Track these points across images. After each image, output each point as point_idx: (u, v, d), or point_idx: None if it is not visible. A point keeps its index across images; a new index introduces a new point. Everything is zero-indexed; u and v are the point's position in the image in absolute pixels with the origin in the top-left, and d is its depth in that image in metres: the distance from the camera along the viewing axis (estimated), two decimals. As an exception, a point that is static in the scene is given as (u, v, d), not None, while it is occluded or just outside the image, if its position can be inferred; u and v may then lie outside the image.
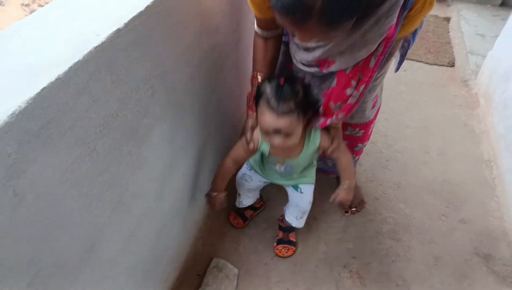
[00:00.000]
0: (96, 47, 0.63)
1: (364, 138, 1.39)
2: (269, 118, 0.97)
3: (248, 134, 1.13)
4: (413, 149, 1.89)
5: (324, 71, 1.01)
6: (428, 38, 2.72)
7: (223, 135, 1.50)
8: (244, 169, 1.38)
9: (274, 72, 1.17)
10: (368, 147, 1.77)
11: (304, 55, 1.02)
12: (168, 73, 0.90)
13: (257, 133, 1.12)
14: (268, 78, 1.08)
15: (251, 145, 1.13)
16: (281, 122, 0.96)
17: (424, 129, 2.00)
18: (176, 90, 0.96)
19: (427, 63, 2.48)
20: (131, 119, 0.79)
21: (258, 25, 1.05)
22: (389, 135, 1.96)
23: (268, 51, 1.10)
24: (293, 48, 1.08)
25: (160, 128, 0.93)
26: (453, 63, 2.49)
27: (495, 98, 1.95)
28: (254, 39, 1.10)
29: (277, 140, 1.01)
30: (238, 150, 1.18)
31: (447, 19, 2.97)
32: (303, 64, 1.06)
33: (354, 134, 1.35)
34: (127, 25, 0.70)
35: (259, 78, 1.10)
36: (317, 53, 0.97)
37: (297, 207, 1.35)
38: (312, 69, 1.04)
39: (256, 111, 1.04)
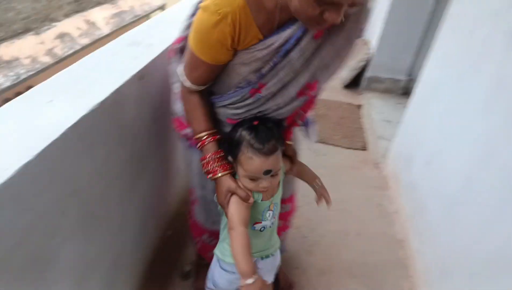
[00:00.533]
0: (3, 183, 0.64)
1: (292, 210, 1.53)
2: (258, 162, 0.95)
3: (240, 190, 1.01)
4: (335, 231, 2.01)
5: (312, 93, 1.06)
6: (344, 124, 3.04)
7: (145, 236, 1.47)
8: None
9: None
10: (293, 233, 1.84)
11: (286, 92, 1.01)
12: (81, 190, 0.91)
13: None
14: (217, 133, 1.05)
15: (250, 198, 1.02)
16: (271, 162, 0.96)
17: (344, 211, 2.15)
18: (90, 203, 0.97)
19: (343, 147, 2.74)
20: (37, 244, 0.77)
21: (196, 81, 1.01)
22: (313, 219, 2.07)
23: (206, 105, 1.06)
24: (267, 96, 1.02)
25: (70, 245, 0.91)
26: (366, 147, 2.78)
27: (402, 181, 2.20)
28: (186, 99, 1.06)
29: (266, 181, 0.99)
30: (241, 211, 1.01)
31: (359, 107, 3.36)
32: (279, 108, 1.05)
33: (285, 210, 1.45)
34: (38, 156, 0.72)
35: (208, 138, 1.04)
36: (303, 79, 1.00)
37: (274, 270, 1.25)
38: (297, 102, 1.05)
39: (235, 163, 1.01)
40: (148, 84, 1.22)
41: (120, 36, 1.40)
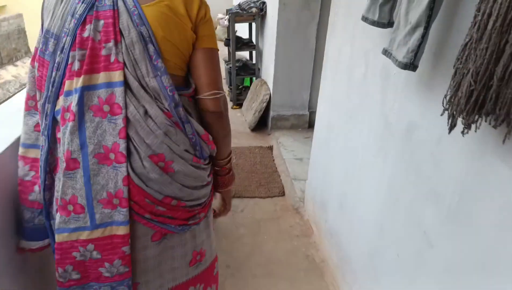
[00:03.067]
0: None
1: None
2: None
3: None
4: (266, 300, 1.84)
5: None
6: (257, 171, 2.95)
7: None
8: None
9: None
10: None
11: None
12: None
13: None
14: None
15: None
16: None
17: (271, 275, 1.99)
18: None
19: (261, 197, 2.63)
20: None
21: None
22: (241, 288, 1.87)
23: None
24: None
25: None
26: (283, 191, 2.70)
27: (322, 227, 2.13)
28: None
29: None
30: None
31: (270, 148, 3.32)
32: None
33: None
34: None
35: None
36: None
37: None
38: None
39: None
40: None
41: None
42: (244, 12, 3.79)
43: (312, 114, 3.58)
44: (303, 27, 3.24)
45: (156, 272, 1.06)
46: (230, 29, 3.85)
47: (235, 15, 3.77)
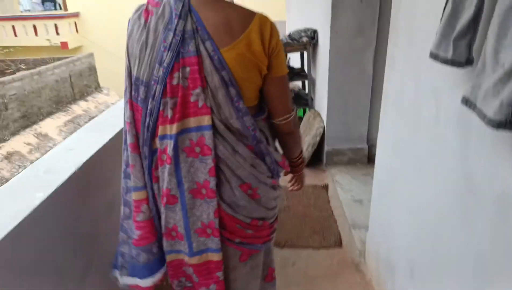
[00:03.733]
0: None
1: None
2: None
3: None
4: None
5: None
6: (311, 215, 2.67)
7: None
8: None
9: None
10: None
11: None
12: None
13: None
14: None
15: None
16: None
17: None
18: None
19: (314, 247, 2.34)
20: None
21: None
22: None
23: None
24: None
25: None
26: (340, 241, 2.39)
27: (388, 291, 1.79)
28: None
29: None
30: None
31: (325, 187, 3.04)
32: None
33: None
34: None
35: None
36: None
37: None
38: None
39: None
40: None
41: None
42: (295, 42, 3.62)
43: (372, 147, 3.25)
44: (358, 55, 2.97)
45: None
46: (281, 60, 3.70)
47: (286, 46, 3.61)
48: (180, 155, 1.01)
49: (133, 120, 1.06)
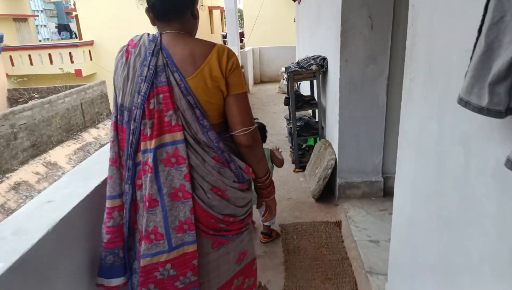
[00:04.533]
0: None
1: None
2: None
3: None
4: None
5: None
6: (323, 257, 2.45)
7: None
8: None
9: None
10: None
11: None
12: None
13: None
14: None
15: None
16: None
17: None
18: None
19: (328, 298, 2.11)
20: None
21: None
22: None
23: None
24: None
25: None
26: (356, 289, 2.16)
27: None
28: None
29: None
30: None
31: (338, 224, 2.82)
32: None
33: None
34: None
35: None
36: None
37: None
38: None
39: None
40: None
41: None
42: (303, 70, 3.49)
43: (388, 179, 3.04)
44: (370, 83, 2.81)
45: (215, 272, 1.33)
46: (289, 88, 3.56)
47: (294, 74, 3.49)
48: (159, 165, 1.17)
49: (116, 139, 1.24)
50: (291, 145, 4.01)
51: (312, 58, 3.58)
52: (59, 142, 8.04)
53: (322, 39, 3.64)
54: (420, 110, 1.37)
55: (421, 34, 1.32)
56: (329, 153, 3.19)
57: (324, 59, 3.42)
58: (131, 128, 1.19)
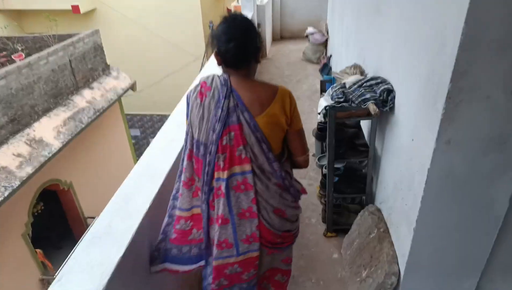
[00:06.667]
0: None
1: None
2: None
3: None
4: None
5: None
6: None
7: None
8: None
9: None
10: None
11: None
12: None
13: None
14: None
15: None
16: None
17: None
18: None
19: None
20: None
21: None
22: None
23: None
24: None
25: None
26: None
27: None
28: None
29: None
30: None
31: None
32: None
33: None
34: None
35: None
36: None
37: None
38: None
39: None
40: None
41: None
42: (353, 105, 2.18)
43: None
44: (485, 181, 1.55)
45: (267, 267, 1.70)
46: (328, 130, 2.29)
47: (335, 111, 2.19)
48: (230, 191, 1.44)
49: (190, 167, 1.51)
50: (321, 200, 2.83)
51: (367, 82, 2.24)
52: (46, 111, 6.94)
53: (388, 47, 2.26)
54: None
55: None
56: (387, 254, 2.03)
57: (390, 92, 2.09)
58: (207, 160, 1.43)
